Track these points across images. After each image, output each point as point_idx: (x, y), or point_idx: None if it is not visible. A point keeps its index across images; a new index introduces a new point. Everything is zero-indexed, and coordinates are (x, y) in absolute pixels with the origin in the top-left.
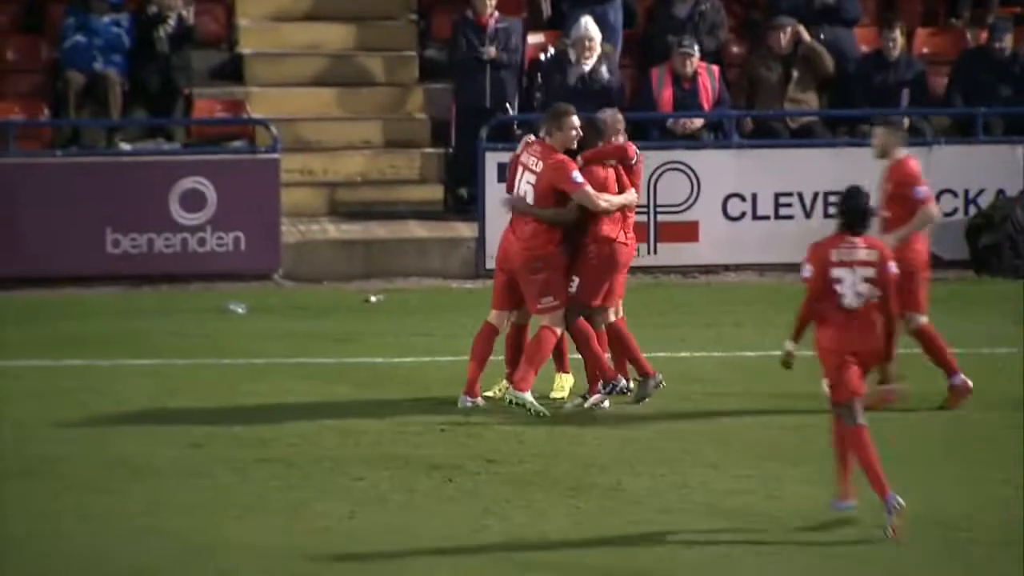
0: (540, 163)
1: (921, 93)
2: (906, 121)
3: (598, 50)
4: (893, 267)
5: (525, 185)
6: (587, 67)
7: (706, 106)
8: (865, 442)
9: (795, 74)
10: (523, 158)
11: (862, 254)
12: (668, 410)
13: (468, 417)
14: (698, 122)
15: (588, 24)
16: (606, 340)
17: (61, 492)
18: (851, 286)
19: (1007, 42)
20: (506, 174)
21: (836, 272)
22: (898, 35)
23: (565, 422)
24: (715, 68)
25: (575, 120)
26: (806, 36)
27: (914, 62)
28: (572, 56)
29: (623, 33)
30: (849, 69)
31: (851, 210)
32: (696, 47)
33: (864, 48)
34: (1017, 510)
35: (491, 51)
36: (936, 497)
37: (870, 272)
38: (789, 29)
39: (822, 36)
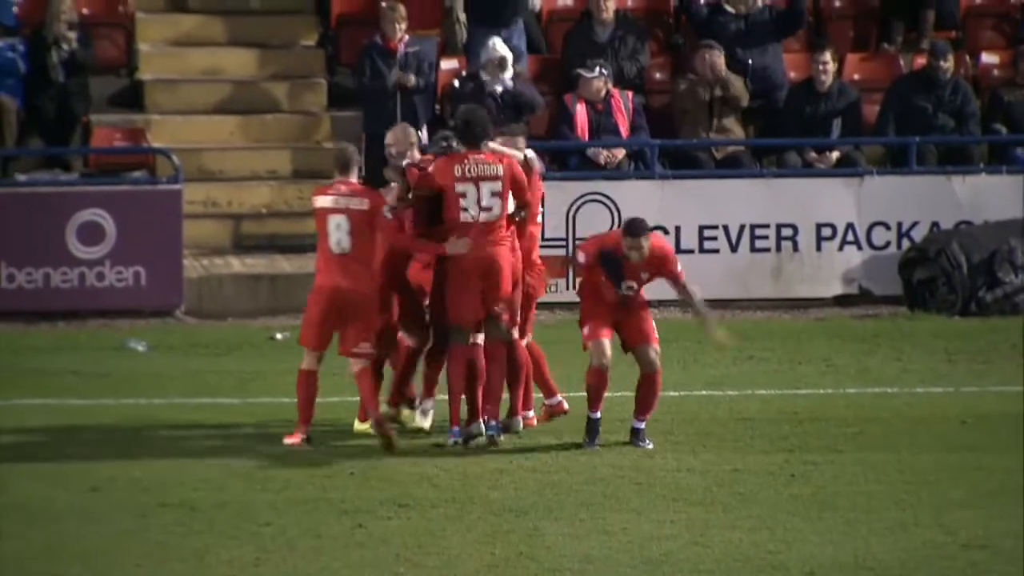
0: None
1: (855, 122)
2: (835, 154)
3: (510, 70)
4: None
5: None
6: (500, 88)
7: (623, 130)
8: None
9: (716, 104)
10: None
11: None
12: (588, 452)
13: (380, 460)
14: (620, 153)
15: (497, 44)
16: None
17: None
18: None
19: (948, 64)
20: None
21: None
22: (829, 60)
23: (481, 465)
24: (629, 94)
25: None
26: (720, 66)
27: (848, 90)
28: (485, 78)
29: (539, 59)
30: (779, 98)
31: None
32: (599, 70)
33: (793, 75)
34: (951, 556)
35: (407, 77)
36: (868, 543)
37: None
38: (710, 55)
39: (750, 61)
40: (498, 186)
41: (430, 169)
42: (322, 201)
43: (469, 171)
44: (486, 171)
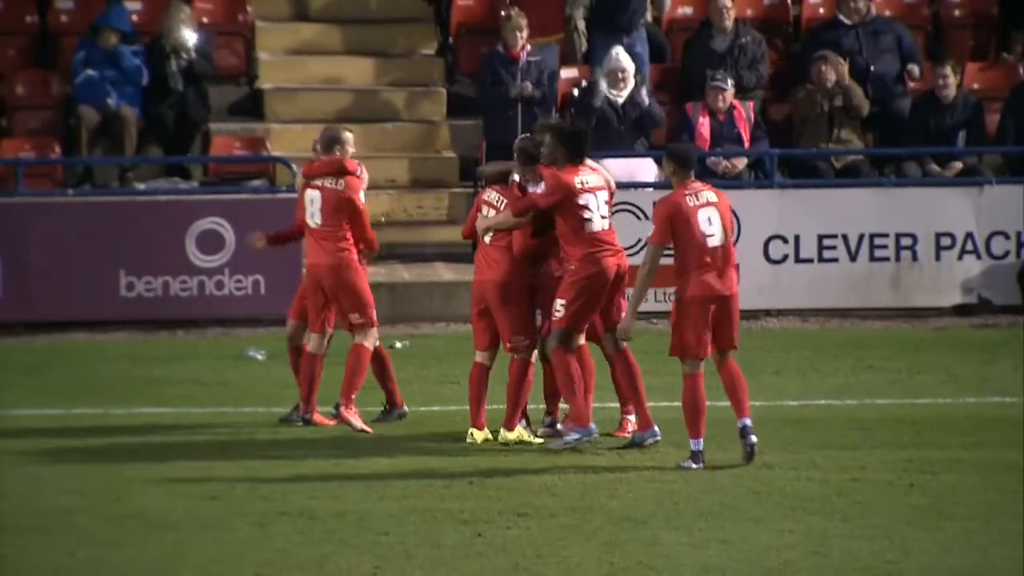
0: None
1: (979, 133)
2: (959, 165)
3: (631, 81)
4: None
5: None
6: (621, 98)
7: (745, 140)
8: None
9: (836, 115)
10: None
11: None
12: (707, 461)
13: (499, 469)
14: (740, 164)
15: (620, 54)
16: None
17: (74, 547)
18: None
19: None
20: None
21: None
22: (950, 74)
23: (599, 474)
24: (750, 104)
25: None
26: (843, 74)
27: (971, 101)
28: (605, 87)
29: (659, 67)
30: (897, 105)
31: None
32: (730, 81)
33: (913, 84)
34: None
35: (527, 87)
36: (988, 553)
37: None
38: (830, 64)
39: (872, 68)
40: (607, 195)
41: (560, 180)
42: (301, 177)
43: (586, 182)
44: (597, 182)
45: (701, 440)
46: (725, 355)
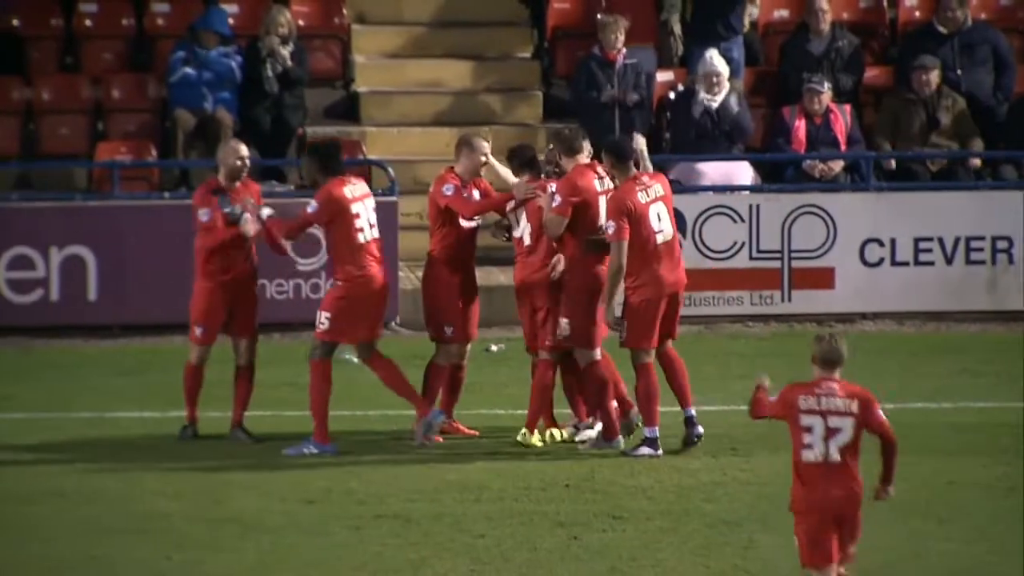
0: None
1: None
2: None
3: (726, 85)
4: None
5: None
6: (715, 103)
7: (841, 144)
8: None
9: (942, 121)
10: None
11: None
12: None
13: (595, 472)
14: (837, 167)
15: (714, 58)
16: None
17: (172, 550)
18: None
19: None
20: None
21: None
22: None
23: (695, 478)
24: (847, 107)
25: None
26: (939, 86)
27: None
28: (700, 91)
29: (755, 70)
30: (992, 112)
31: None
32: (826, 84)
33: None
34: None
35: (614, 93)
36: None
37: None
38: (928, 74)
39: (959, 72)
40: (373, 203)
41: (332, 194)
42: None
43: (354, 192)
44: (363, 191)
45: (656, 428)
46: (664, 343)
